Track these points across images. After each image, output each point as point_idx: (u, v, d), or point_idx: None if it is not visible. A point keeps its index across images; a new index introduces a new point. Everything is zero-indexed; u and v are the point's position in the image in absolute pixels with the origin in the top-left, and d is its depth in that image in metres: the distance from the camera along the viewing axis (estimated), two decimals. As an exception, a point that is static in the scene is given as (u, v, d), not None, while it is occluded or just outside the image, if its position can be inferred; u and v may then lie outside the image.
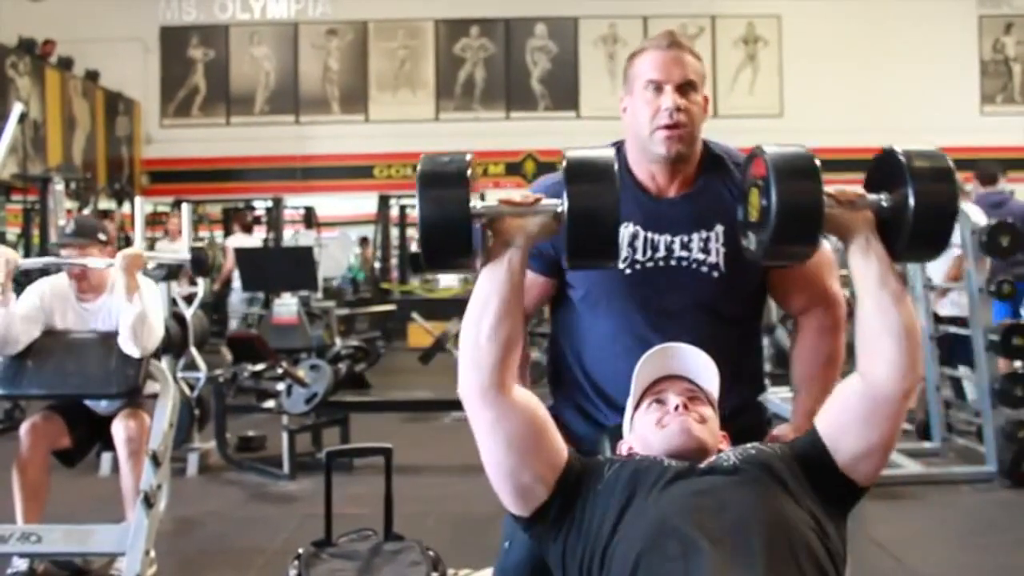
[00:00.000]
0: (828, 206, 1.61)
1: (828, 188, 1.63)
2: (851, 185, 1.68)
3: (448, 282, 15.74)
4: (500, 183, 15.07)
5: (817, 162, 1.61)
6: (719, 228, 1.93)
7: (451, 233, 1.57)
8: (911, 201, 1.60)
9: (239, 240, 9.62)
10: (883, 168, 1.69)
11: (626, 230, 1.91)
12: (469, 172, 1.59)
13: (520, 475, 1.63)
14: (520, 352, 1.67)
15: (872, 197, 1.67)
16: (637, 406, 1.79)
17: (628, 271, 1.92)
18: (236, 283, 8.96)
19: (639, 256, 1.92)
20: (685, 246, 1.92)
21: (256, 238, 8.43)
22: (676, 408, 1.73)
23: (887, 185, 1.66)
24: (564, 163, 1.62)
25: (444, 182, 1.60)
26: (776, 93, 15.01)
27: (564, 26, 15.20)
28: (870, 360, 1.63)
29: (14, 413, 6.47)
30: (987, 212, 5.40)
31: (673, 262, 1.92)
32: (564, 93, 15.09)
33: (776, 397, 6.02)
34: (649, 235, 1.93)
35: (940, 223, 1.64)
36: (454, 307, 11.03)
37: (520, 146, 14.87)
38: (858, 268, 1.65)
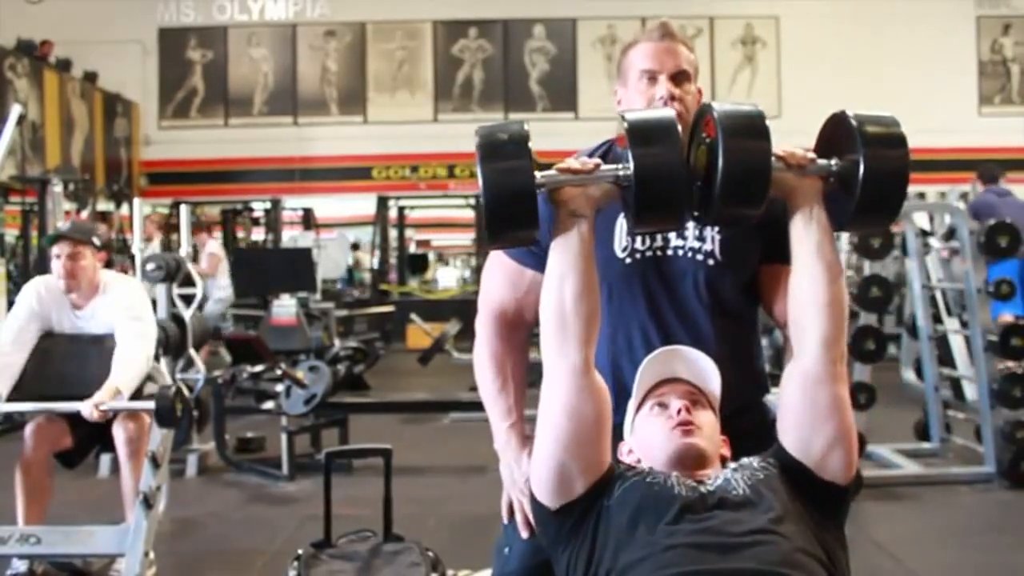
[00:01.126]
0: (777, 168, 1.59)
1: (778, 150, 1.61)
2: (800, 148, 1.66)
3: (447, 283, 15.76)
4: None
5: (767, 123, 1.58)
6: None
7: (516, 205, 1.53)
8: (861, 167, 1.56)
9: (213, 245, 9.35)
10: (834, 133, 1.65)
11: (623, 219, 1.90)
12: (529, 142, 1.55)
13: (568, 462, 1.60)
14: (598, 329, 1.64)
15: (822, 162, 1.64)
16: (639, 408, 1.78)
17: (628, 260, 1.91)
18: (217, 291, 8.79)
19: (638, 245, 1.91)
20: (680, 234, 1.91)
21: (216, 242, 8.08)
22: (678, 412, 1.72)
23: (837, 150, 1.63)
24: (625, 125, 1.58)
25: (506, 154, 1.54)
26: (774, 94, 15.01)
27: (562, 27, 15.20)
28: (801, 336, 1.62)
29: (14, 415, 6.46)
30: (993, 202, 5.42)
31: (670, 251, 1.91)
32: (562, 94, 15.10)
33: (774, 397, 6.01)
34: None
35: (890, 190, 1.60)
36: (453, 308, 11.07)
37: (519, 147, 14.87)
38: (797, 235, 1.64)
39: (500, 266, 1.99)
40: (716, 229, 1.90)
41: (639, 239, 1.91)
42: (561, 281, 1.59)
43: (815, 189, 1.64)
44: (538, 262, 1.89)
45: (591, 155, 1.96)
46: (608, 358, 1.90)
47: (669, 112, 1.63)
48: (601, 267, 1.89)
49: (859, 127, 1.59)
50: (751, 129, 1.57)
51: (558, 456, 1.60)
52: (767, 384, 2.06)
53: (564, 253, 1.59)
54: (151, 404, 3.41)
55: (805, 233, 1.63)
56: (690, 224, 1.90)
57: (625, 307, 1.90)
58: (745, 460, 1.69)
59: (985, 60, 15.23)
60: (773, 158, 1.59)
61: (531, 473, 1.67)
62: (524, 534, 1.82)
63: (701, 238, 1.91)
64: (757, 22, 15.14)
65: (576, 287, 1.59)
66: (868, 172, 1.57)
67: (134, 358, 3.55)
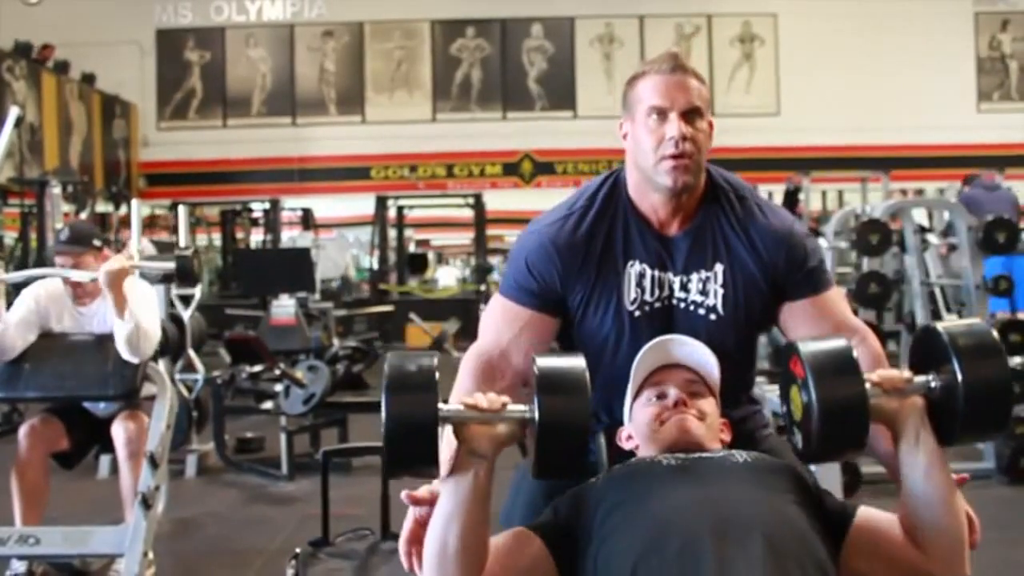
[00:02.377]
0: (873, 395, 1.54)
1: (872, 375, 1.56)
2: (895, 370, 1.61)
3: (446, 282, 15.77)
4: (497, 183, 15.09)
5: (855, 354, 1.54)
6: (718, 268, 1.87)
7: (417, 438, 1.50)
8: (960, 381, 1.52)
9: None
10: (926, 347, 1.61)
11: (633, 268, 1.87)
12: (436, 376, 1.53)
13: None
14: (485, 563, 1.55)
15: (920, 380, 1.59)
16: (636, 395, 1.78)
17: (637, 313, 1.86)
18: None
19: (647, 297, 1.87)
20: (684, 287, 1.87)
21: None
22: (675, 404, 1.72)
23: (933, 365, 1.58)
24: (535, 371, 1.55)
25: (411, 386, 1.53)
26: (773, 92, 15.03)
27: (560, 26, 15.21)
28: (913, 542, 1.58)
29: (12, 416, 6.47)
30: (979, 198, 5.42)
31: (674, 302, 1.88)
32: (561, 93, 15.11)
33: (773, 395, 6.01)
34: (656, 274, 1.88)
35: (994, 401, 1.55)
36: (452, 308, 11.09)
37: (517, 146, 14.89)
38: (905, 459, 1.58)
39: (499, 306, 1.95)
40: (720, 283, 1.87)
41: (647, 291, 1.87)
42: (447, 523, 1.52)
43: (916, 410, 1.57)
44: (539, 302, 1.88)
45: (596, 192, 1.93)
46: (607, 407, 1.88)
47: (580, 364, 1.57)
48: (611, 319, 1.87)
49: (951, 342, 1.55)
50: (840, 367, 1.54)
51: None
52: (757, 399, 2.06)
53: (455, 494, 1.53)
54: (171, 264, 3.43)
55: (913, 458, 1.57)
56: (694, 276, 1.87)
57: (628, 359, 1.84)
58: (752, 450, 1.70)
59: (983, 56, 15.24)
60: (868, 385, 1.54)
61: None
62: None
63: (704, 292, 1.87)
64: (755, 20, 15.15)
65: (462, 531, 1.52)
66: (968, 386, 1.52)
67: (143, 317, 3.52)
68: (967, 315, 5.44)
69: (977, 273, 5.23)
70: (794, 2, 14.89)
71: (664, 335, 1.81)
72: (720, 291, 1.87)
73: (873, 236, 5.28)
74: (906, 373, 1.59)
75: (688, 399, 1.73)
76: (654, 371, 1.77)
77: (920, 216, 6.07)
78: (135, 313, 3.45)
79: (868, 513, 1.64)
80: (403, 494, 1.64)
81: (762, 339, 8.38)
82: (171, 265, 3.42)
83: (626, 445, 1.79)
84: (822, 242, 6.33)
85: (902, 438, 1.58)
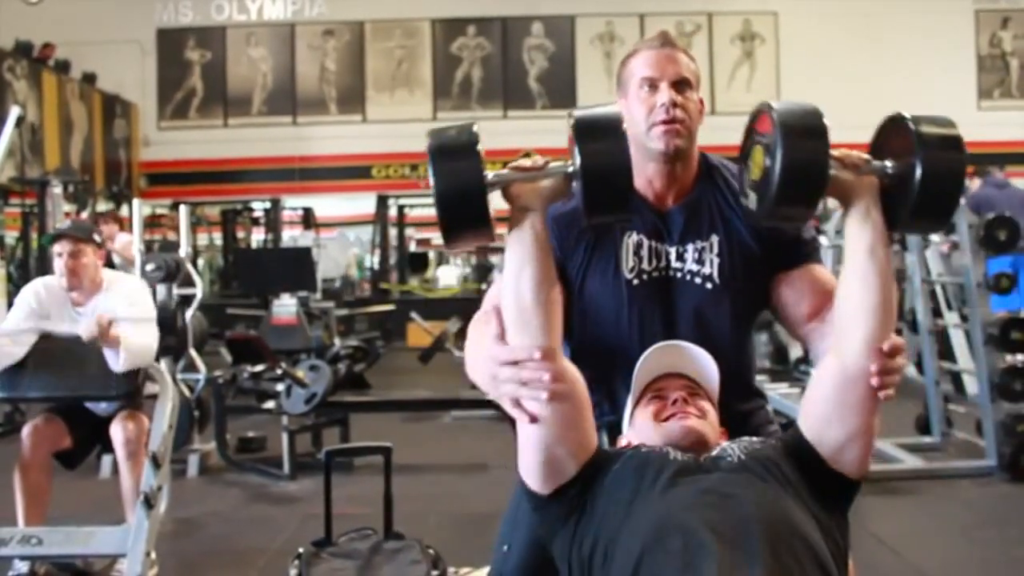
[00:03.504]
0: (832, 168, 1.59)
1: (833, 151, 1.59)
2: (856, 149, 1.66)
3: (447, 282, 15.76)
4: (498, 182, 15.10)
5: (826, 121, 1.57)
6: (714, 239, 1.91)
7: (467, 204, 1.56)
8: (918, 169, 1.56)
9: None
10: (889, 134, 1.65)
11: (630, 239, 1.90)
12: (478, 142, 1.59)
13: (555, 447, 1.62)
14: (561, 314, 1.65)
15: (877, 163, 1.64)
16: (636, 403, 1.79)
17: (636, 281, 1.90)
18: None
19: (645, 265, 1.90)
20: (680, 257, 1.90)
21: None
22: (675, 402, 1.73)
23: (893, 151, 1.63)
24: (572, 122, 1.60)
25: (455, 154, 1.59)
26: (773, 90, 15.01)
27: (561, 24, 15.20)
28: (845, 334, 1.62)
29: (15, 416, 6.48)
30: (991, 196, 5.40)
31: (671, 273, 1.91)
32: (562, 91, 15.10)
33: (775, 393, 6.03)
34: (653, 244, 1.91)
35: (946, 193, 1.60)
36: (453, 306, 11.08)
37: (518, 145, 14.77)
38: (852, 235, 1.63)
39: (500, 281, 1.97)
40: (716, 252, 1.90)
41: (645, 260, 1.90)
42: (518, 273, 1.61)
43: (871, 189, 1.62)
44: None
45: None
46: (606, 374, 1.89)
47: (616, 109, 1.64)
48: (610, 285, 1.90)
49: (916, 128, 1.59)
50: (810, 128, 1.57)
51: (543, 443, 1.62)
52: (763, 392, 2.07)
53: (519, 246, 1.62)
54: (154, 326, 3.45)
55: (860, 233, 1.62)
56: (690, 247, 1.90)
57: (629, 326, 1.89)
58: (743, 438, 1.72)
59: (984, 54, 15.23)
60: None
61: (520, 463, 1.68)
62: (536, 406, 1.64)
63: (700, 261, 1.90)
64: (756, 18, 15.14)
65: (533, 278, 1.60)
66: (925, 175, 1.56)
67: (138, 335, 3.55)
68: (970, 315, 5.43)
69: (978, 271, 5.23)
70: (795, 0, 14.89)
71: (664, 341, 1.81)
72: (716, 260, 1.90)
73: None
74: (866, 155, 1.65)
75: (688, 398, 1.74)
76: (654, 380, 1.78)
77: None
78: (129, 342, 3.46)
79: (801, 410, 1.70)
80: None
81: (762, 337, 8.38)
82: (152, 320, 3.46)
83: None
84: (823, 240, 6.33)
85: (852, 211, 1.63)
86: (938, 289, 6.08)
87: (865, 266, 1.61)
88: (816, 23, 14.66)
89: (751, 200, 1.67)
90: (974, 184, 7.32)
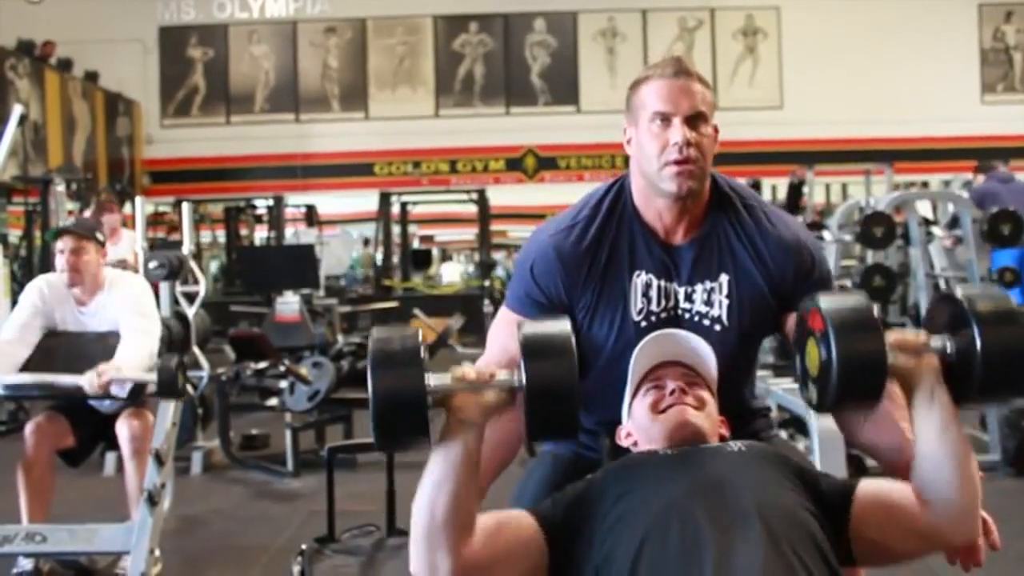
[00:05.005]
0: (890, 355, 1.55)
1: (889, 336, 1.56)
2: (911, 331, 1.63)
3: (450, 278, 15.76)
4: (501, 179, 15.08)
5: (875, 311, 1.56)
6: (724, 278, 1.86)
7: (406, 414, 1.52)
8: (978, 344, 1.53)
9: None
10: (944, 311, 1.63)
11: (639, 279, 1.86)
12: (422, 351, 1.54)
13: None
14: (473, 526, 1.57)
15: (936, 342, 1.60)
16: (635, 392, 1.78)
17: (643, 323, 1.85)
18: None
19: (654, 307, 1.86)
20: (688, 297, 1.86)
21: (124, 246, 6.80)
22: (672, 393, 1.72)
23: (951, 329, 1.60)
24: (520, 337, 1.57)
25: (397, 362, 1.54)
26: (776, 85, 14.99)
27: (563, 20, 15.18)
28: (924, 501, 1.59)
29: (18, 414, 6.48)
30: (996, 190, 5.38)
31: (679, 312, 1.87)
32: (564, 88, 15.08)
33: (779, 388, 6.03)
34: (662, 283, 1.87)
35: (1010, 368, 1.56)
36: (456, 303, 11.08)
37: (520, 141, 14.87)
38: (920, 418, 1.59)
39: (505, 319, 1.94)
40: (724, 293, 1.86)
41: (654, 301, 1.86)
42: (437, 488, 1.54)
43: (931, 371, 1.58)
44: (545, 313, 1.85)
45: (601, 201, 1.92)
46: (612, 414, 1.86)
47: (565, 326, 1.59)
48: (617, 329, 1.86)
49: (969, 306, 1.57)
50: (862, 323, 1.55)
51: None
52: (766, 409, 2.06)
53: (445, 459, 1.55)
54: (153, 376, 3.42)
55: (928, 415, 1.59)
56: (699, 287, 1.87)
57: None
58: (745, 440, 1.72)
59: (987, 48, 15.19)
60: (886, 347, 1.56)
61: None
62: None
63: (709, 302, 1.86)
64: (758, 13, 15.10)
65: (452, 496, 1.53)
66: (986, 352, 1.53)
67: (138, 350, 3.55)
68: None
69: (983, 265, 5.22)
70: (797, -5, 14.87)
71: (661, 330, 1.80)
72: (725, 302, 1.86)
73: (877, 229, 5.27)
74: (923, 336, 1.61)
75: (687, 387, 1.73)
76: (651, 368, 1.77)
77: (925, 208, 6.05)
78: (130, 371, 3.46)
79: (871, 484, 1.65)
80: None
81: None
82: (152, 377, 3.45)
83: (625, 443, 1.78)
84: (826, 235, 6.32)
85: (917, 395, 1.59)
86: (942, 283, 6.07)
87: (938, 447, 1.58)
88: (818, 18, 14.62)
89: (811, 394, 1.63)
90: (978, 179, 7.31)
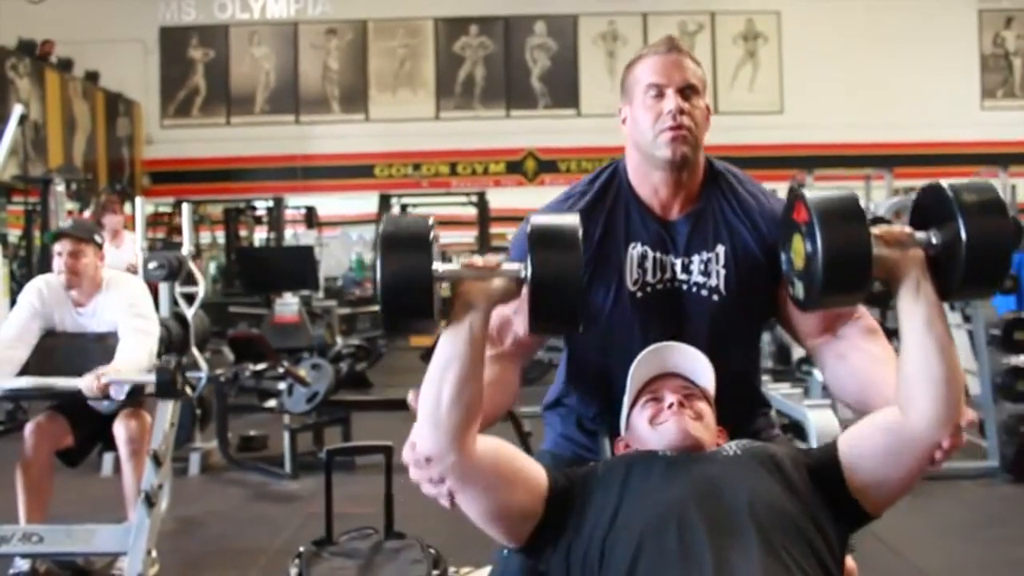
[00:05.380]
0: (875, 247, 1.56)
1: (874, 229, 1.56)
2: (897, 224, 1.63)
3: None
4: (501, 182, 15.08)
5: (861, 202, 1.56)
6: (720, 249, 1.88)
7: (413, 297, 1.53)
8: (963, 236, 1.53)
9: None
10: (928, 203, 1.63)
11: (634, 250, 1.88)
12: (432, 235, 1.55)
13: (504, 517, 1.62)
14: (481, 415, 1.61)
15: (921, 235, 1.60)
16: (633, 404, 1.78)
17: (640, 294, 1.87)
18: None
19: (649, 278, 1.87)
20: (686, 268, 1.88)
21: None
22: (671, 406, 1.72)
23: (936, 221, 1.60)
24: (528, 228, 1.58)
25: (407, 245, 1.55)
26: (776, 89, 15.01)
27: (563, 24, 15.19)
28: (912, 401, 1.59)
29: (17, 414, 6.48)
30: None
31: (676, 284, 1.88)
32: (564, 91, 15.09)
33: (778, 393, 6.01)
34: (658, 255, 1.88)
35: (996, 258, 1.57)
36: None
37: (520, 144, 14.88)
38: (905, 311, 1.59)
39: None
40: (722, 263, 1.87)
41: (649, 272, 1.87)
42: (444, 370, 1.57)
43: (917, 263, 1.59)
44: None
45: (594, 180, 1.95)
46: (608, 391, 1.88)
47: (574, 219, 1.60)
48: (613, 299, 1.87)
49: (955, 196, 1.56)
50: (847, 213, 1.55)
51: (489, 522, 1.63)
52: (768, 401, 2.06)
53: (452, 342, 1.58)
54: (152, 377, 3.42)
55: (913, 308, 1.58)
56: (695, 258, 1.88)
57: (632, 340, 1.86)
58: (742, 440, 1.72)
59: (987, 54, 15.21)
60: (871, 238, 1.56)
61: (486, 530, 1.66)
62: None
63: (706, 272, 1.87)
64: (758, 17, 15.12)
65: (458, 377, 1.56)
66: (971, 243, 1.53)
67: (136, 351, 3.55)
68: (972, 314, 5.43)
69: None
70: (797, 0, 14.88)
71: (659, 342, 1.80)
72: (722, 272, 1.87)
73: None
74: (907, 228, 1.62)
75: (685, 400, 1.73)
76: (649, 380, 1.78)
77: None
78: (127, 372, 3.46)
79: (849, 431, 1.67)
80: (410, 396, 1.63)
81: (765, 336, 8.37)
82: (151, 378, 3.45)
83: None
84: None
85: (903, 289, 1.60)
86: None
87: (925, 341, 1.57)
88: (819, 22, 14.64)
89: (798, 289, 1.63)
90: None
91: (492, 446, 1.63)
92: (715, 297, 1.87)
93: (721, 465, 1.61)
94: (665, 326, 1.87)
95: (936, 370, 1.57)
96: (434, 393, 1.57)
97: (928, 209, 1.63)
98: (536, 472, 1.65)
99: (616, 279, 1.87)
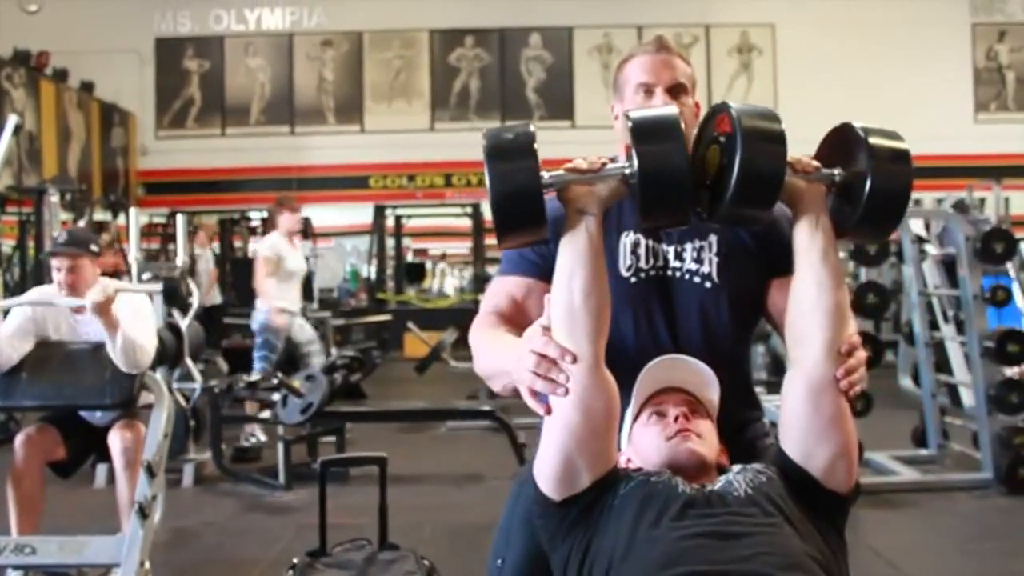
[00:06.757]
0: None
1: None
2: (807, 157, 1.68)
3: (444, 292, 15.74)
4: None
5: (783, 126, 1.59)
6: (713, 238, 1.90)
7: (523, 205, 1.56)
8: (868, 178, 1.59)
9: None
10: (839, 142, 1.67)
11: (627, 238, 1.90)
12: (535, 143, 1.57)
13: (576, 455, 1.61)
14: (608, 324, 1.64)
15: (827, 171, 1.66)
16: (636, 418, 1.78)
17: (633, 279, 1.89)
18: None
19: (642, 264, 1.89)
20: (679, 256, 1.89)
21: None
22: (676, 419, 1.71)
23: (842, 160, 1.65)
24: (629, 124, 1.58)
25: (512, 155, 1.57)
26: (771, 102, 15.02)
27: (559, 36, 15.23)
28: (804, 343, 1.63)
29: (9, 425, 6.45)
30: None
31: (669, 272, 1.90)
32: (559, 103, 15.12)
33: (772, 405, 6.02)
34: (650, 243, 1.90)
35: (894, 203, 1.63)
36: (450, 317, 11.06)
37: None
38: (802, 241, 1.64)
39: (500, 282, 1.97)
40: (714, 251, 1.89)
41: (642, 259, 1.89)
42: (570, 278, 1.60)
43: (820, 196, 1.65)
44: (539, 271, 1.87)
45: None
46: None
47: (673, 110, 1.62)
48: (607, 285, 1.89)
49: (866, 139, 1.61)
50: (769, 130, 1.58)
51: (567, 449, 1.61)
52: (760, 402, 2.06)
53: (572, 249, 1.61)
54: (158, 287, 3.42)
55: (811, 239, 1.63)
56: (688, 246, 1.89)
57: (625, 326, 1.87)
58: (747, 465, 1.70)
59: (980, 67, 15.27)
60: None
61: (537, 464, 1.66)
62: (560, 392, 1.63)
63: (699, 260, 1.89)
64: (753, 30, 15.18)
65: (585, 282, 1.59)
66: (874, 184, 1.59)
67: (140, 326, 3.54)
68: (967, 327, 5.44)
69: (975, 283, 5.23)
70: (792, 13, 14.92)
71: (664, 356, 1.79)
72: (715, 259, 1.89)
73: (871, 246, 5.27)
74: (816, 162, 1.67)
75: (688, 416, 1.73)
76: (653, 394, 1.77)
77: (918, 226, 6.08)
78: (127, 332, 3.46)
79: (780, 434, 1.69)
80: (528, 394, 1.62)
81: (759, 348, 8.38)
82: (158, 287, 3.44)
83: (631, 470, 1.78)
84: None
85: (803, 218, 1.65)
86: (935, 301, 6.08)
87: (819, 271, 1.63)
88: (813, 35, 14.69)
89: (702, 199, 1.65)
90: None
91: (614, 386, 1.63)
92: (707, 284, 1.88)
93: (734, 510, 1.58)
94: (658, 312, 1.88)
95: (828, 301, 1.61)
96: (566, 299, 1.60)
97: (837, 147, 1.68)
98: (614, 444, 1.68)
99: (609, 266, 1.85)
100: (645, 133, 1.57)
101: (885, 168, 1.60)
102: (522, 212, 1.57)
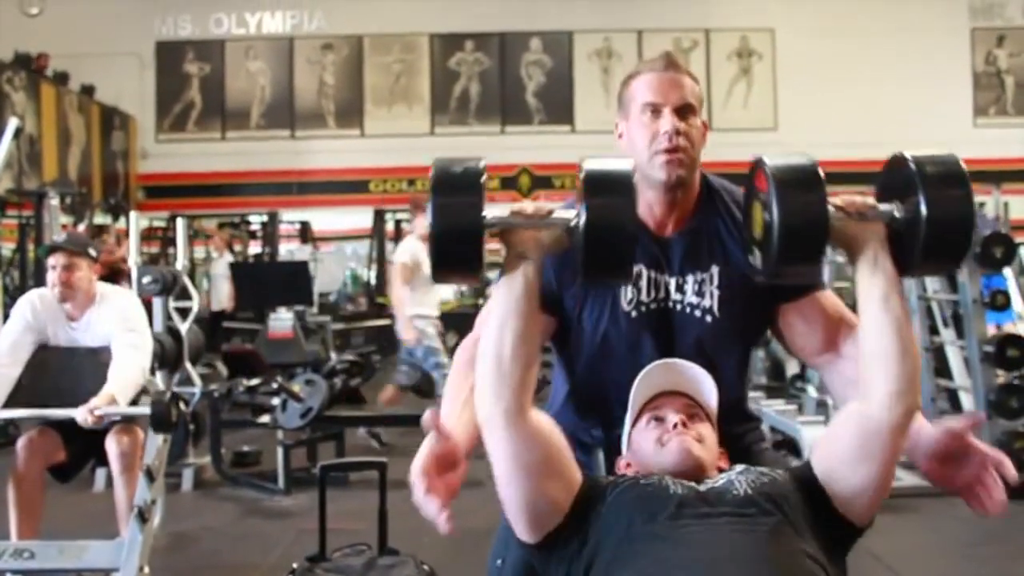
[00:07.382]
0: (836, 218, 1.55)
1: (836, 199, 1.56)
2: (862, 195, 1.62)
3: (443, 296, 15.71)
4: (495, 198, 15.07)
5: (820, 172, 1.54)
6: (714, 269, 1.87)
7: (462, 243, 1.51)
8: (923, 210, 1.51)
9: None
10: (893, 176, 1.61)
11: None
12: (483, 180, 1.53)
13: (537, 502, 1.58)
14: (536, 375, 1.60)
15: (884, 208, 1.59)
16: (635, 422, 1.77)
17: (634, 313, 1.86)
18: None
19: (644, 297, 1.87)
20: (680, 288, 1.87)
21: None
22: (675, 426, 1.70)
23: (899, 194, 1.58)
24: (582, 174, 1.54)
25: (457, 190, 1.52)
26: (770, 106, 15.05)
27: (559, 40, 15.24)
28: (869, 384, 1.58)
29: (9, 429, 6.44)
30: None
31: (671, 304, 1.87)
32: (559, 107, 15.12)
33: (771, 410, 6.02)
34: (653, 275, 1.87)
35: (956, 234, 1.55)
36: (449, 321, 11.04)
37: (515, 160, 14.88)
38: (863, 285, 1.58)
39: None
40: (715, 284, 1.86)
41: (644, 292, 1.87)
42: (502, 326, 1.56)
43: (878, 236, 1.58)
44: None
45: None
46: (603, 404, 1.87)
47: (628, 165, 1.58)
48: (607, 318, 1.86)
49: (918, 169, 1.55)
50: (805, 180, 1.53)
51: (522, 499, 1.59)
52: (756, 415, 2.06)
53: (508, 295, 1.56)
54: (146, 409, 3.41)
55: (870, 282, 1.57)
56: (689, 278, 1.87)
57: (624, 360, 1.85)
58: (750, 467, 1.69)
59: (979, 72, 15.28)
60: (831, 207, 1.55)
61: (508, 516, 1.64)
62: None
63: (700, 293, 1.87)
64: (753, 35, 15.18)
65: (516, 332, 1.55)
66: (931, 217, 1.52)
67: (129, 369, 3.54)
68: (966, 332, 5.44)
69: (975, 288, 5.23)
70: (791, 17, 14.94)
71: (662, 359, 1.80)
72: (716, 293, 1.87)
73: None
74: (870, 200, 1.60)
75: (688, 420, 1.72)
76: (651, 398, 1.77)
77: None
78: (123, 397, 3.46)
79: (817, 447, 1.67)
80: (426, 416, 1.60)
81: (759, 353, 8.37)
82: (145, 410, 3.45)
83: (626, 474, 1.77)
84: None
85: (860, 262, 1.59)
86: (934, 306, 6.08)
87: (880, 316, 1.57)
88: (813, 40, 14.69)
89: (756, 259, 1.63)
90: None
91: (548, 424, 1.61)
92: (708, 318, 1.86)
93: (733, 510, 1.56)
94: (657, 345, 1.86)
95: (891, 346, 1.55)
96: (495, 348, 1.56)
97: (892, 182, 1.61)
98: (575, 468, 1.63)
99: (611, 298, 1.86)
100: (597, 186, 1.54)
101: (941, 196, 1.52)
102: (459, 251, 1.52)
